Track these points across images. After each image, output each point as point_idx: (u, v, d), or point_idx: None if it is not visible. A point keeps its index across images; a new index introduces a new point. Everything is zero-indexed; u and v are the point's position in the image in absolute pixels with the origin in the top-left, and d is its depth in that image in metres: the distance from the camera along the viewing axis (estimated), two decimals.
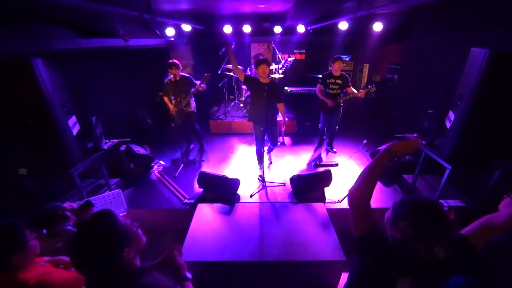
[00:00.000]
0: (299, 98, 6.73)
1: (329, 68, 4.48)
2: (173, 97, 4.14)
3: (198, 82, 4.30)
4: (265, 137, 3.81)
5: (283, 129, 3.84)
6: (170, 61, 4.21)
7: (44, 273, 1.34)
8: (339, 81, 4.21)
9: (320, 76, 4.38)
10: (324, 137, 4.88)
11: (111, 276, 0.96)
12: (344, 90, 4.30)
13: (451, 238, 1.04)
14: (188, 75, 4.39)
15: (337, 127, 4.57)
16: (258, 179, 3.89)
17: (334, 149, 4.74)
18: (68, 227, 1.74)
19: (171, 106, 4.31)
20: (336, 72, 4.20)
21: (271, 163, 4.44)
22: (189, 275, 1.25)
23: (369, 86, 4.15)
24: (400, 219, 1.08)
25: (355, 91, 4.14)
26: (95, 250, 0.93)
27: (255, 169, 4.16)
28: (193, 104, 4.53)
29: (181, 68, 4.30)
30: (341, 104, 4.37)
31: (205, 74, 4.23)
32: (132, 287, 0.97)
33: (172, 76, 4.24)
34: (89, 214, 1.94)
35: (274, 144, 3.94)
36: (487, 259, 1.26)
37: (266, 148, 4.13)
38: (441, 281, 1.04)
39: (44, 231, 1.73)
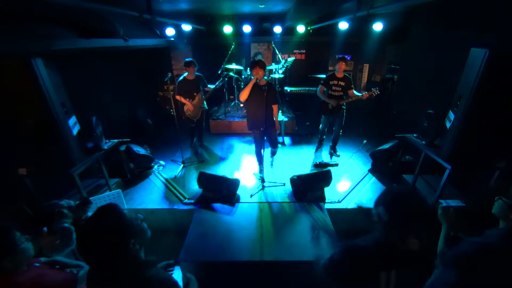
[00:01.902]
0: (299, 98, 6.73)
1: (329, 69, 4.43)
2: (187, 98, 4.33)
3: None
4: (265, 139, 3.81)
5: (277, 131, 3.82)
6: (189, 59, 4.25)
7: (38, 276, 1.31)
8: (342, 83, 4.10)
9: (323, 76, 4.32)
10: (324, 136, 4.81)
11: (118, 267, 0.99)
12: (346, 92, 4.18)
13: (430, 233, 1.05)
14: (200, 74, 4.46)
15: (340, 131, 4.48)
16: (258, 179, 3.89)
17: (338, 153, 4.72)
18: (65, 224, 1.72)
19: (189, 105, 4.36)
20: (339, 74, 4.10)
21: (271, 165, 4.44)
22: None
23: (373, 89, 3.96)
24: (378, 204, 1.11)
25: (358, 94, 4.05)
26: (102, 241, 0.97)
27: (255, 169, 4.16)
28: (205, 101, 4.64)
29: (197, 66, 4.36)
30: (344, 107, 4.27)
31: (225, 73, 4.65)
32: (138, 278, 0.99)
33: (188, 74, 4.31)
34: (87, 211, 1.93)
35: (274, 146, 3.94)
36: (476, 261, 1.25)
37: (269, 152, 4.16)
38: (419, 272, 1.05)
39: (45, 228, 1.73)
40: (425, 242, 1.01)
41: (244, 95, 3.37)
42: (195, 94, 4.39)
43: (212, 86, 4.48)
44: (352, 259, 1.11)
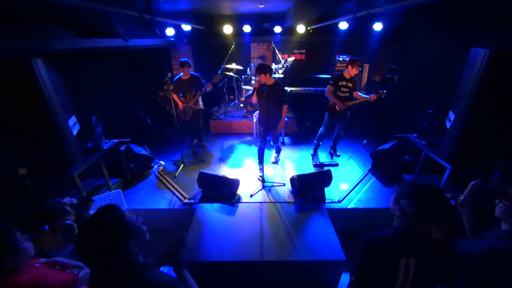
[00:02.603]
0: (299, 98, 6.72)
1: (336, 68, 4.32)
2: (181, 95, 4.39)
3: (204, 81, 4.48)
4: (268, 138, 3.86)
5: (279, 130, 3.86)
6: (183, 60, 4.31)
7: (38, 276, 1.31)
8: (350, 84, 3.98)
9: (323, 76, 4.26)
10: (321, 143, 4.58)
11: (116, 270, 0.98)
12: (352, 93, 4.07)
13: (450, 223, 1.09)
14: (197, 74, 4.48)
15: (342, 132, 4.42)
16: (258, 179, 3.90)
17: (338, 153, 4.69)
18: (68, 222, 1.73)
19: (180, 104, 4.45)
20: (347, 74, 3.95)
21: (275, 162, 4.43)
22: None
23: (380, 91, 3.90)
24: (402, 197, 1.15)
25: (364, 96, 3.97)
26: (101, 241, 0.96)
27: (255, 169, 4.16)
28: (201, 102, 4.65)
29: (192, 67, 4.37)
30: (349, 108, 4.15)
31: (218, 73, 4.52)
32: (136, 281, 0.99)
33: (183, 74, 4.38)
34: (89, 209, 1.94)
35: (274, 142, 4.02)
36: (483, 264, 1.25)
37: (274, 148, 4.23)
38: (441, 260, 1.08)
39: (46, 227, 1.73)
40: (447, 234, 1.04)
41: (253, 98, 3.60)
42: (188, 94, 4.45)
43: None
44: (373, 246, 1.15)
